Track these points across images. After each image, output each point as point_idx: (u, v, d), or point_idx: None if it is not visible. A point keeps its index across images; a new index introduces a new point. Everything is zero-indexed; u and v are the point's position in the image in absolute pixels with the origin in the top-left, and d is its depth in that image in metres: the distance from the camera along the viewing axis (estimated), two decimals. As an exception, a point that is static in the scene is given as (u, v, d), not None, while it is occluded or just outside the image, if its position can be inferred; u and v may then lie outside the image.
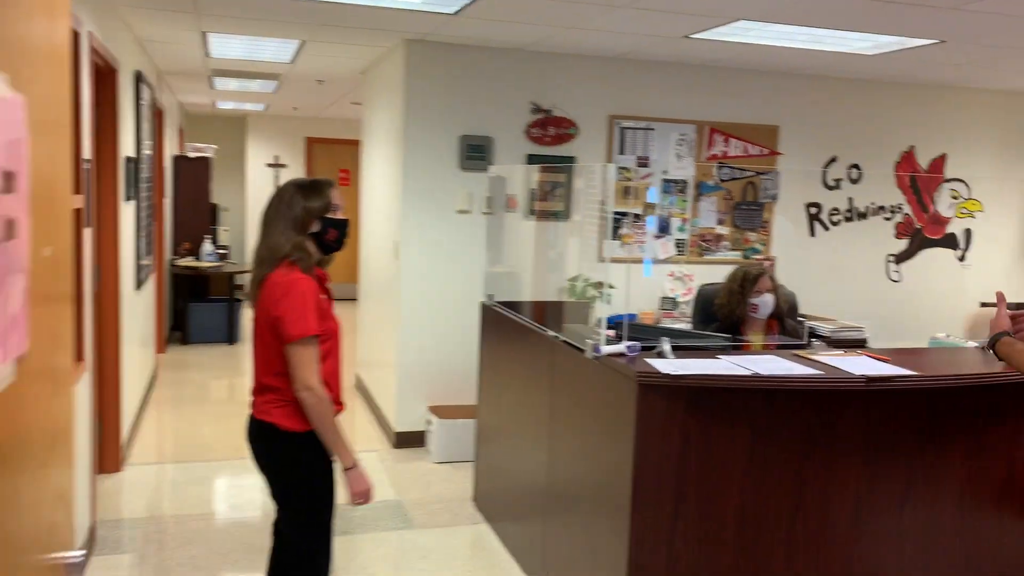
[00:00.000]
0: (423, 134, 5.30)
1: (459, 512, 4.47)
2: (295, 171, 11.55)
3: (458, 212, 5.41)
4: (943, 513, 3.16)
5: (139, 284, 5.71)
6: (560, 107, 5.49)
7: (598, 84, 5.55)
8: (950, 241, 6.59)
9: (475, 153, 5.36)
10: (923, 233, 6.51)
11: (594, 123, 5.56)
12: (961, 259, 6.62)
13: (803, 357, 3.09)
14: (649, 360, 2.84)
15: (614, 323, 3.87)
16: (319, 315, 2.56)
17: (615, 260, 5.20)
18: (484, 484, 4.47)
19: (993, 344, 2.43)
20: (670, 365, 2.76)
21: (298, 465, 2.64)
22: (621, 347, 2.90)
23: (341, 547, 3.99)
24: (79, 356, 3.69)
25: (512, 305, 4.34)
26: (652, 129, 5.64)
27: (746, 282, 3.92)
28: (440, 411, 5.31)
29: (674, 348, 2.96)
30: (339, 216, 2.67)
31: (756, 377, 2.73)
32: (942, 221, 6.56)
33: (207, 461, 5.15)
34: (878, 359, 3.12)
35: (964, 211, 6.59)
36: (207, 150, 9.45)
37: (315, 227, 2.61)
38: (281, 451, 2.64)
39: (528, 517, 3.79)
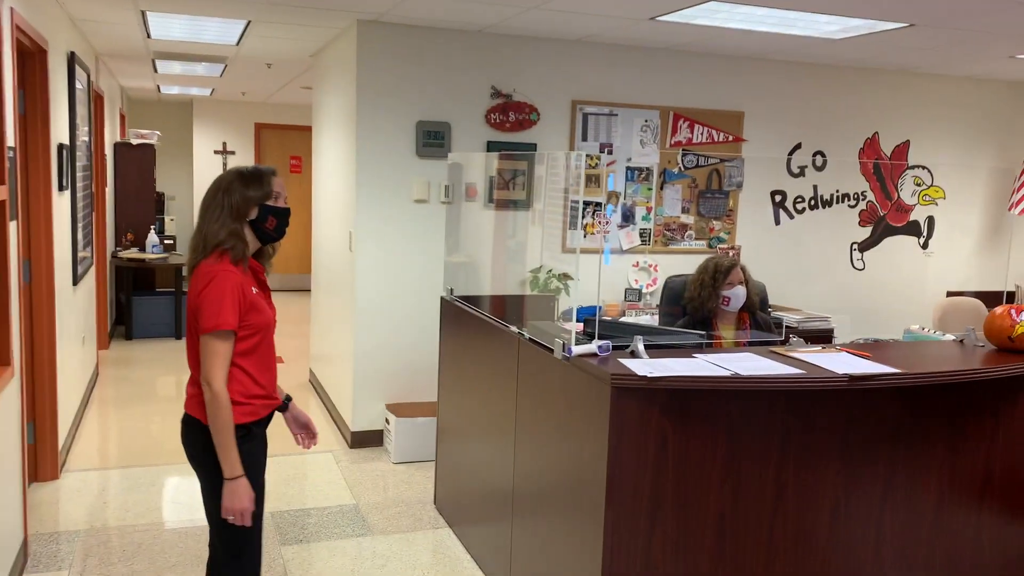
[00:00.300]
0: (377, 120, 5.06)
1: (419, 516, 4.28)
2: (244, 158, 11.19)
3: (415, 201, 5.19)
4: (922, 514, 3.05)
5: (77, 278, 5.39)
6: (521, 92, 5.29)
7: (560, 68, 5.35)
8: (913, 229, 6.55)
9: (432, 139, 5.13)
10: (886, 221, 6.45)
11: (556, 108, 5.37)
12: (924, 247, 6.58)
13: (781, 354, 2.95)
14: (623, 361, 2.67)
15: (582, 318, 3.70)
16: (243, 309, 2.46)
17: (585, 251, 5.02)
18: (446, 486, 4.28)
19: None
20: (645, 366, 2.59)
21: (218, 466, 2.49)
22: (592, 347, 2.73)
23: (295, 557, 3.78)
24: (5, 359, 3.40)
25: (473, 299, 4.14)
26: (615, 115, 5.47)
27: (717, 274, 3.77)
28: (398, 409, 5.10)
29: (647, 346, 2.80)
30: (281, 204, 2.56)
31: (736, 378, 2.57)
32: (905, 208, 6.51)
33: (153, 465, 4.88)
34: (858, 355, 2.99)
35: (927, 198, 6.55)
36: (151, 136, 9.05)
37: (254, 214, 2.52)
38: (202, 446, 2.52)
39: (493, 521, 3.62)
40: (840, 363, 2.82)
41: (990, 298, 5.99)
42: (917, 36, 4.81)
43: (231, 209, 2.48)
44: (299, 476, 4.79)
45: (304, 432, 2.90)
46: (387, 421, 5.15)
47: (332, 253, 5.94)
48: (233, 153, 11.28)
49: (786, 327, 4.28)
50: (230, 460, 2.44)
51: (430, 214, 5.21)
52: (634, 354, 2.76)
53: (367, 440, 5.27)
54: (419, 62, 5.08)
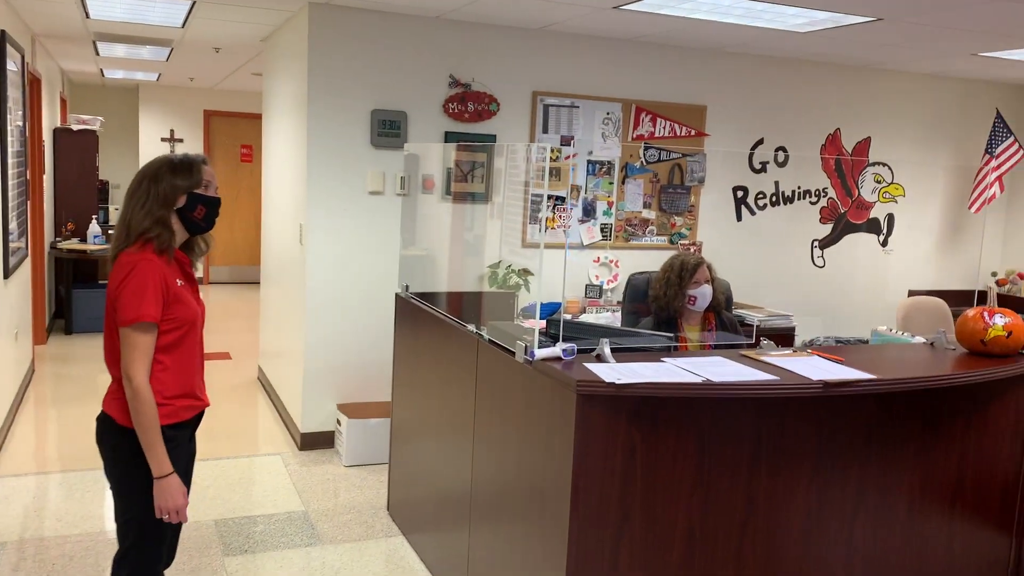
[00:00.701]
0: (330, 108, 4.84)
1: (372, 523, 4.09)
2: (193, 146, 10.83)
3: (369, 193, 4.98)
4: (894, 522, 2.96)
5: (8, 271, 5.09)
6: (480, 81, 5.11)
7: (521, 58, 5.19)
8: (873, 226, 6.52)
9: (388, 129, 4.93)
10: (847, 218, 6.41)
11: (516, 99, 5.21)
12: (884, 245, 6.56)
13: (752, 358, 2.83)
14: (589, 366, 2.52)
15: (545, 314, 3.55)
16: (167, 301, 2.33)
17: (549, 246, 4.85)
18: (399, 491, 4.11)
19: None
20: (612, 371, 2.45)
21: (130, 465, 2.37)
22: (557, 350, 2.57)
23: (239, 569, 3.57)
24: (-80, 361, 3.13)
25: (430, 296, 3.96)
26: (577, 107, 5.32)
27: (684, 272, 3.65)
28: (350, 409, 4.90)
29: (613, 349, 2.65)
30: (211, 194, 2.44)
31: (708, 385, 2.44)
32: (865, 206, 6.47)
33: (92, 469, 4.60)
34: (830, 359, 2.88)
35: (887, 196, 6.52)
36: (93, 122, 8.68)
37: (182, 203, 2.39)
38: (113, 447, 2.40)
39: (449, 529, 3.45)
40: (813, 368, 2.71)
41: (952, 297, 5.98)
42: (883, 31, 4.74)
43: (158, 197, 2.36)
44: (245, 480, 4.56)
45: None
46: (338, 422, 4.94)
47: (282, 245, 5.70)
48: (181, 141, 10.90)
49: (757, 329, 4.18)
50: (158, 458, 2.33)
51: (385, 207, 5.01)
52: (600, 358, 2.61)
53: (317, 442, 5.06)
54: (374, 48, 4.87)
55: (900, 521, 2.97)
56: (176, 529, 2.59)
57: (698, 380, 2.46)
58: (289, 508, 4.22)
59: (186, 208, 2.39)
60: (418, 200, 5.05)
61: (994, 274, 6.87)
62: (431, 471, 3.66)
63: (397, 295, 4.12)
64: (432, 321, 3.65)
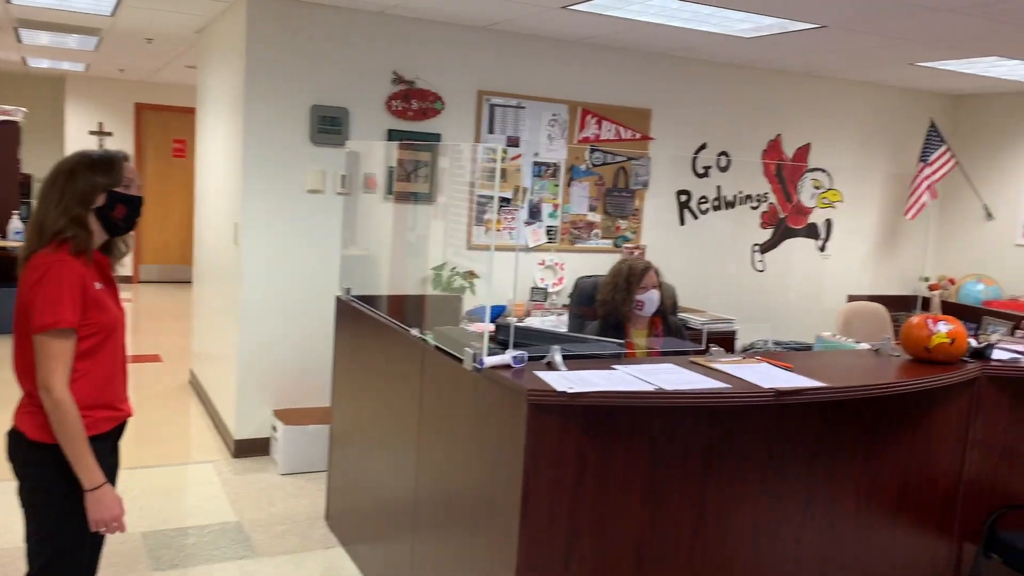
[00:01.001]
0: (268, 103, 4.67)
1: (309, 534, 3.95)
2: (122, 140, 10.44)
3: (308, 192, 4.83)
4: (841, 529, 2.96)
5: (-81, 269, 4.78)
6: (424, 79, 5.00)
7: (467, 56, 5.09)
8: (811, 231, 6.60)
9: (328, 126, 4.78)
10: (786, 223, 6.48)
11: (462, 98, 5.11)
12: (822, 249, 6.65)
13: (702, 365, 2.79)
14: (539, 374, 2.44)
15: (494, 319, 3.46)
16: (85, 305, 2.18)
17: (500, 248, 4.74)
18: (339, 500, 3.97)
19: None
20: (564, 380, 2.37)
21: (44, 481, 2.23)
22: (507, 358, 2.49)
23: (167, 587, 3.40)
24: None
25: (372, 299, 3.84)
26: (523, 107, 5.24)
27: (632, 277, 3.61)
28: (287, 415, 4.74)
29: (564, 356, 2.58)
30: (133, 192, 2.30)
31: (661, 393, 2.39)
32: (804, 211, 6.55)
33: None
34: (779, 366, 2.86)
35: (825, 201, 6.62)
36: (15, 113, 8.28)
37: (101, 201, 2.24)
38: (24, 463, 2.25)
39: (392, 540, 3.34)
40: (764, 376, 2.68)
41: (889, 302, 6.08)
42: (826, 38, 4.78)
43: (75, 195, 2.21)
44: (175, 490, 4.37)
45: None
46: (274, 428, 4.78)
47: (216, 245, 5.50)
48: (110, 135, 10.51)
49: (706, 335, 4.16)
50: (89, 469, 2.19)
51: (325, 206, 4.86)
52: (551, 365, 2.54)
53: (252, 449, 4.88)
54: (315, 43, 4.72)
55: (847, 528, 2.97)
56: (97, 546, 2.43)
57: (651, 388, 2.40)
58: (222, 519, 4.05)
59: (105, 207, 2.25)
60: (360, 200, 4.91)
61: (925, 279, 7.03)
62: (373, 479, 3.54)
63: (338, 298, 3.98)
64: (375, 325, 3.53)
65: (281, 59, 4.66)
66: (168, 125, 10.69)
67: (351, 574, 3.60)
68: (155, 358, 6.98)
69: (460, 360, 2.67)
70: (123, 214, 2.28)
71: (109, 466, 2.39)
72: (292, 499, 4.33)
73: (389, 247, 4.96)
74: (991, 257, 6.66)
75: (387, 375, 3.39)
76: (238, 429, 4.86)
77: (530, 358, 2.56)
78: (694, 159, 5.98)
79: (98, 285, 2.26)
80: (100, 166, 2.25)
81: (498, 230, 5.24)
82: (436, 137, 5.04)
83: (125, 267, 2.51)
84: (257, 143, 4.68)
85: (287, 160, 4.75)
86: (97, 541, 2.39)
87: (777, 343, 3.85)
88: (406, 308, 4.36)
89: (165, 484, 4.41)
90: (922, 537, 3.16)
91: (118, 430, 2.41)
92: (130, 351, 2.47)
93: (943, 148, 6.42)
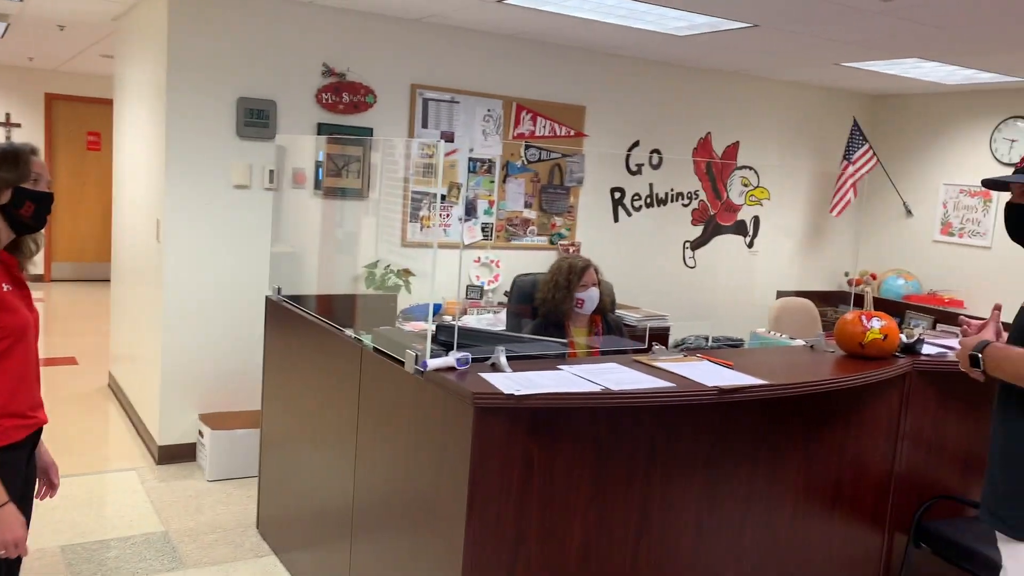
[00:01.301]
0: (192, 95, 4.49)
1: (240, 543, 3.81)
2: (31, 132, 9.95)
3: (235, 187, 4.66)
4: (780, 524, 2.98)
5: None
6: (356, 71, 4.87)
7: (399, 49, 4.99)
8: (740, 228, 6.71)
9: (255, 119, 4.62)
10: (716, 220, 6.56)
11: (394, 92, 5.00)
12: (750, 246, 6.76)
13: (645, 364, 2.77)
14: (484, 376, 2.38)
15: (422, 317, 3.39)
16: None
17: (443, 246, 4.63)
18: (271, 506, 3.84)
19: (981, 347, 2.17)
20: (510, 382, 2.32)
21: None
22: (450, 360, 2.42)
23: (89, 603, 3.23)
24: None
25: (304, 298, 3.72)
26: (457, 102, 5.17)
27: (572, 275, 3.58)
28: (214, 420, 4.57)
29: (508, 357, 2.53)
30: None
31: (608, 393, 2.36)
32: (733, 208, 6.65)
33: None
34: (719, 363, 2.87)
35: (753, 199, 6.73)
36: (-87, 102, 7.80)
37: (6, 198, 2.11)
38: None
39: (328, 546, 3.24)
40: (706, 374, 2.68)
41: (817, 297, 6.22)
42: (757, 38, 4.84)
43: None
44: (95, 500, 4.16)
45: (43, 478, 2.42)
46: (200, 434, 4.60)
47: (136, 242, 5.27)
48: (18, 126, 10.00)
49: (648, 333, 4.16)
50: None
51: (253, 202, 4.70)
52: (496, 367, 2.48)
53: (177, 455, 4.69)
54: (241, 33, 4.56)
55: (785, 522, 3.00)
56: (13, 566, 2.28)
57: (597, 389, 2.37)
58: (147, 529, 3.87)
59: (12, 205, 2.11)
60: (289, 196, 4.76)
61: (847, 274, 7.22)
62: (307, 485, 3.43)
63: (268, 298, 3.85)
64: (308, 326, 3.42)
65: (205, 49, 4.48)
66: (81, 116, 10.24)
67: (285, 583, 3.48)
68: (71, 360, 6.67)
69: (401, 362, 2.59)
70: (31, 211, 2.14)
71: (26, 477, 2.25)
72: (221, 506, 4.17)
73: (319, 245, 4.83)
74: (911, 253, 6.87)
75: (322, 378, 3.29)
76: (162, 435, 4.67)
77: (474, 360, 2.50)
78: (627, 156, 6.01)
79: (5, 287, 2.12)
80: (5, 161, 2.12)
81: (428, 227, 5.15)
82: (368, 131, 4.92)
83: (36, 265, 2.35)
84: (180, 137, 4.49)
85: (212, 154, 4.58)
86: (14, 561, 2.24)
87: (705, 338, 3.88)
88: (339, 308, 4.25)
89: (84, 494, 4.20)
90: (856, 529, 3.22)
91: (33, 438, 2.26)
92: (43, 353, 2.33)
93: (865, 147, 6.59)
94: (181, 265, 4.58)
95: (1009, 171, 2.29)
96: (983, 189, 2.24)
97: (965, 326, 2.37)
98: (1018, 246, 2.31)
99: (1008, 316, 2.29)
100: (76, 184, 10.16)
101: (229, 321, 4.70)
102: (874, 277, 6.95)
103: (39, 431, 2.29)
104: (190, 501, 4.21)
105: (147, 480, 4.44)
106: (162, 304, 4.58)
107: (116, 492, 4.28)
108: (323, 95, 4.79)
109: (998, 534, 2.22)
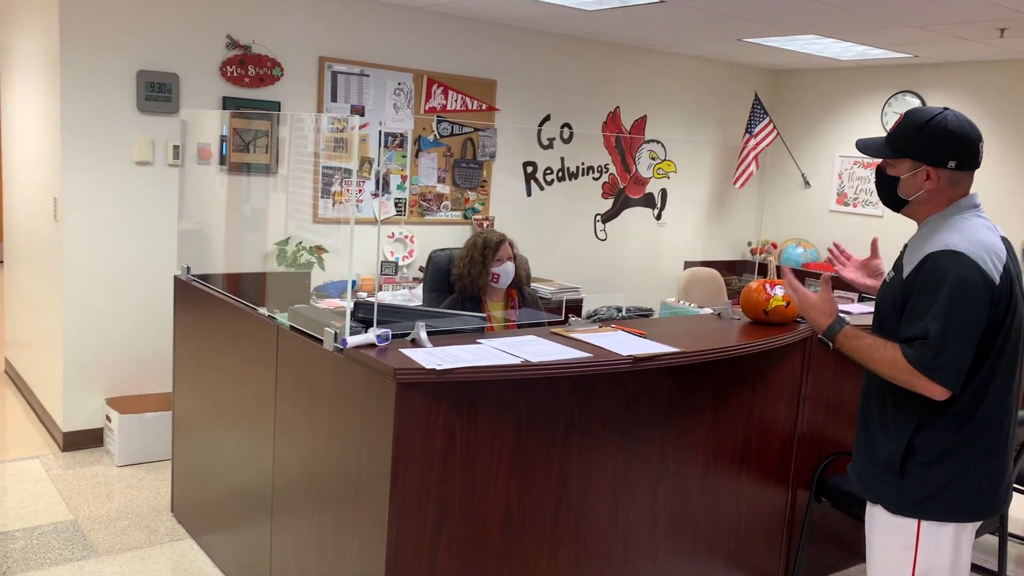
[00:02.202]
0: (88, 68, 4.30)
1: (154, 528, 3.73)
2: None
3: (137, 163, 4.50)
4: (691, 485, 3.11)
5: None
6: (262, 43, 4.75)
7: (306, 21, 4.88)
8: (649, 201, 6.86)
9: (157, 92, 4.47)
10: (626, 193, 6.69)
11: (302, 65, 4.90)
12: (658, 218, 6.92)
13: (563, 335, 2.83)
14: (405, 351, 2.40)
15: (337, 294, 3.37)
16: None
17: (361, 222, 4.57)
18: (186, 489, 3.77)
19: (831, 335, 2.30)
20: (431, 357, 2.34)
21: None
22: (370, 337, 2.43)
23: (-4, 597, 3.12)
24: None
25: (215, 278, 3.65)
26: (367, 76, 5.10)
27: (487, 250, 3.61)
28: (122, 404, 4.44)
29: (428, 333, 2.55)
30: None
31: (528, 365, 2.41)
32: (642, 181, 6.79)
33: None
34: (633, 333, 2.96)
35: (661, 172, 6.88)
36: None
37: None
38: None
39: (247, 527, 3.21)
40: (621, 343, 2.76)
41: (722, 267, 6.43)
42: (664, 13, 4.94)
43: None
44: (-3, 491, 4.01)
45: None
46: (108, 418, 4.47)
47: (31, 221, 5.03)
48: None
49: (564, 305, 4.24)
50: None
51: (156, 178, 4.55)
52: (416, 342, 2.50)
53: (83, 441, 4.55)
54: (140, 1, 4.38)
55: (696, 483, 3.13)
56: None
57: (517, 361, 2.42)
58: (54, 518, 3.75)
59: None
60: (195, 172, 4.63)
61: (750, 244, 7.48)
62: (224, 466, 3.38)
63: (176, 278, 3.75)
64: (220, 306, 3.36)
65: (101, 18, 4.30)
66: (-37, 88, 9.64)
67: (203, 566, 3.44)
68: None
69: (319, 340, 2.58)
70: None
71: None
72: (132, 492, 4.07)
73: (228, 222, 4.72)
74: (809, 222, 7.17)
75: (236, 358, 3.24)
76: (66, 420, 4.51)
77: (394, 336, 2.51)
78: (539, 131, 6.05)
79: None
80: None
81: (342, 202, 5.10)
82: (275, 105, 4.82)
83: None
84: (76, 111, 4.30)
85: (112, 130, 4.40)
86: None
87: (620, 309, 3.99)
88: (251, 286, 4.18)
89: None
90: (762, 487, 3.39)
91: None
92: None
93: (766, 120, 6.82)
94: (81, 245, 4.41)
95: None
96: (875, 160, 2.36)
97: (838, 264, 2.59)
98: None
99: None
100: (-41, 160, 9.60)
101: (134, 302, 4.56)
102: (775, 246, 7.23)
103: None
104: (99, 488, 4.09)
105: (51, 468, 4.30)
106: (62, 285, 4.40)
107: (18, 481, 4.13)
108: (228, 68, 4.66)
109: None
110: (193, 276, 3.67)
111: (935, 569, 2.24)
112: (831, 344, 2.31)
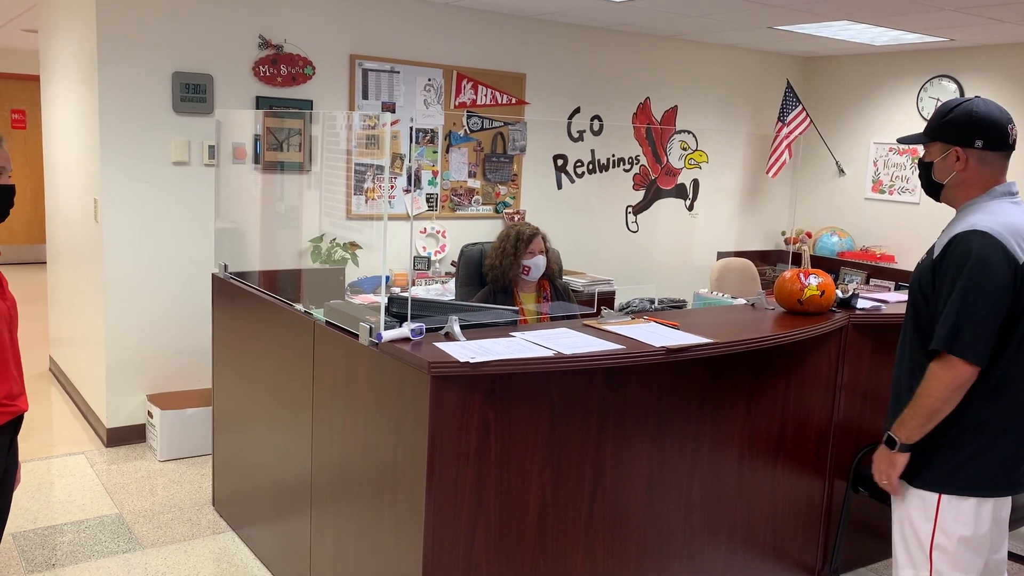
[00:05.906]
0: (125, 70, 4.38)
1: (196, 521, 3.81)
2: (-48, 111, 9.57)
3: (174, 164, 4.58)
4: (726, 476, 3.11)
5: None
6: (293, 43, 4.81)
7: (337, 19, 4.93)
8: (680, 191, 6.83)
9: (192, 93, 4.54)
10: (657, 184, 6.67)
11: (333, 63, 4.95)
12: (690, 209, 6.89)
13: (595, 328, 2.84)
14: (439, 345, 2.43)
15: (372, 290, 3.41)
16: None
17: (394, 218, 4.63)
18: (226, 484, 3.85)
19: (898, 447, 2.37)
20: (465, 350, 2.37)
21: None
22: (405, 331, 2.46)
23: (46, 589, 3.21)
24: None
25: (251, 275, 3.71)
26: (397, 72, 5.14)
27: (519, 243, 3.63)
28: (163, 400, 4.53)
29: (462, 326, 2.57)
30: (5, 181, 2.15)
31: (561, 357, 2.42)
32: (673, 172, 6.76)
33: None
34: (666, 324, 2.96)
35: (692, 162, 6.84)
36: None
37: None
38: None
39: (287, 520, 3.26)
40: (654, 335, 2.76)
41: (756, 257, 6.39)
42: (693, 2, 4.91)
43: None
44: (44, 485, 4.11)
45: None
46: (150, 414, 4.56)
47: (73, 222, 5.15)
48: (-64, 105, 9.60)
49: (597, 298, 4.24)
50: None
51: (193, 178, 4.63)
52: (449, 336, 2.52)
53: (126, 437, 4.65)
54: (174, 5, 4.45)
55: (731, 474, 3.12)
56: None
57: (550, 354, 2.43)
58: (100, 512, 3.85)
59: None
60: (231, 171, 4.70)
61: (783, 233, 7.42)
62: (264, 461, 3.44)
63: (215, 276, 3.82)
64: (257, 302, 3.41)
65: (137, 22, 4.37)
66: (5, 94, 9.87)
67: (244, 559, 3.50)
68: None
69: (355, 335, 2.62)
70: None
71: (6, 466, 2.24)
72: (175, 486, 4.16)
73: (263, 220, 4.79)
74: (844, 210, 7.09)
75: (273, 353, 3.29)
76: (110, 417, 4.61)
77: (427, 330, 2.54)
78: (569, 123, 6.05)
79: None
80: None
81: (374, 199, 5.14)
82: (308, 104, 4.87)
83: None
84: (115, 114, 4.39)
85: (149, 131, 4.49)
86: None
87: (652, 301, 3.99)
88: (286, 283, 4.24)
89: (32, 480, 4.14)
90: (798, 477, 3.37)
91: (12, 426, 2.24)
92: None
93: (799, 108, 6.75)
94: (121, 244, 4.50)
95: None
96: (911, 147, 2.42)
97: None
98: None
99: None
100: (1, 164, 9.81)
101: (174, 300, 4.65)
102: (809, 235, 7.16)
103: (19, 419, 2.26)
104: (143, 482, 4.19)
105: (96, 463, 4.40)
106: (103, 285, 4.50)
107: (65, 476, 4.23)
108: (260, 68, 4.72)
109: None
110: (230, 274, 3.74)
111: (953, 542, 2.27)
112: (907, 444, 2.34)
